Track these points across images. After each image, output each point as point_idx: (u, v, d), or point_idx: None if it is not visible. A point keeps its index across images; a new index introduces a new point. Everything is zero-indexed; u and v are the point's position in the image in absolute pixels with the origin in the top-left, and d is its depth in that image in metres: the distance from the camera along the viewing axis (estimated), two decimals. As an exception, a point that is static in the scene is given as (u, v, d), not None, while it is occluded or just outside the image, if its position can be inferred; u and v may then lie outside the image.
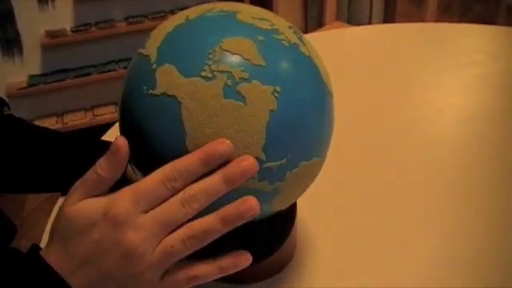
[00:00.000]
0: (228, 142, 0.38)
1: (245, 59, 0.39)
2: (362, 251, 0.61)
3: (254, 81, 0.39)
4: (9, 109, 0.71)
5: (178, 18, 0.44)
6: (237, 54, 0.39)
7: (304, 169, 0.43)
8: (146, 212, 0.38)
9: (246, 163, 0.38)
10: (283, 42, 0.42)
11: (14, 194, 0.74)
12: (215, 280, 0.57)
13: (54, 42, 2.28)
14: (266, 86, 0.39)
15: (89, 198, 0.40)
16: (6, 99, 2.29)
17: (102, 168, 0.39)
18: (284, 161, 0.41)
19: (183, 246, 0.38)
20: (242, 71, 0.39)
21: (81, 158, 0.70)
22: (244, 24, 0.42)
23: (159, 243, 0.38)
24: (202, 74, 0.39)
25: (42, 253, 0.40)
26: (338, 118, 0.52)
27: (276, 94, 0.39)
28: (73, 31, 2.31)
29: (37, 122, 2.25)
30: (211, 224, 0.38)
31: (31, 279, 0.39)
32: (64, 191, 0.72)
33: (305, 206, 0.61)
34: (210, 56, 0.39)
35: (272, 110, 0.39)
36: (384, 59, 1.10)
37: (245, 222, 0.39)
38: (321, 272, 0.59)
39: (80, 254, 0.39)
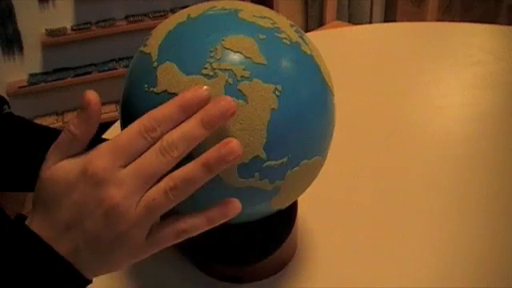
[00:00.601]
0: (206, 87, 0.37)
1: (246, 57, 0.39)
2: (363, 251, 0.61)
3: (255, 79, 0.39)
4: (9, 107, 0.71)
5: (180, 16, 0.43)
6: (238, 52, 0.39)
7: (305, 168, 0.43)
8: (126, 166, 0.36)
9: (224, 103, 0.36)
10: (285, 40, 0.42)
11: (14, 192, 0.74)
12: (216, 279, 0.57)
13: (54, 41, 2.28)
14: (268, 85, 0.39)
15: (65, 159, 0.38)
16: (7, 98, 2.29)
17: (74, 125, 0.37)
18: (285, 159, 0.41)
19: (166, 197, 0.36)
20: (244, 69, 0.39)
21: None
22: (245, 22, 0.42)
23: (141, 198, 0.37)
24: (204, 72, 0.39)
25: (26, 222, 0.39)
26: (339, 117, 0.52)
27: (277, 93, 0.39)
28: (73, 30, 2.31)
29: (37, 121, 2.25)
30: (192, 171, 0.36)
31: (17, 248, 0.38)
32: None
33: (305, 205, 0.61)
34: (212, 54, 0.39)
35: (273, 108, 0.39)
36: (385, 58, 1.09)
37: (227, 166, 0.36)
38: (321, 271, 0.58)
39: (62, 218, 0.37)
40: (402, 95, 0.95)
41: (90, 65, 2.42)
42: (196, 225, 0.39)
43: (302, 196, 0.49)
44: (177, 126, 0.37)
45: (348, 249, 0.61)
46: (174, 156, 0.36)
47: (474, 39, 1.16)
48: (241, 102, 0.38)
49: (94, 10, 2.36)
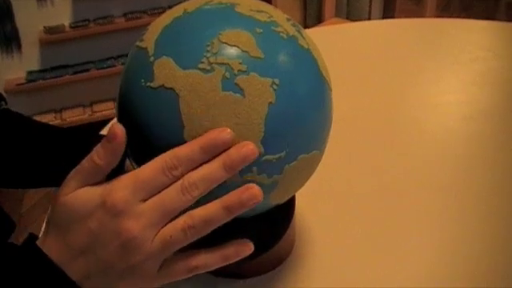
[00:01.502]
0: (229, 130, 0.38)
1: (243, 51, 0.39)
2: (361, 246, 0.61)
3: (252, 73, 0.39)
4: (6, 103, 0.71)
5: (176, 11, 0.43)
6: (235, 46, 0.39)
7: (302, 162, 0.43)
8: (145, 201, 0.37)
9: (246, 149, 0.38)
10: (282, 34, 0.42)
11: (13, 189, 0.74)
12: (214, 275, 0.57)
13: (52, 38, 2.28)
14: (265, 79, 0.39)
15: (85, 186, 0.39)
16: (5, 95, 2.29)
17: (99, 155, 0.38)
18: (282, 154, 0.40)
19: (183, 235, 0.38)
20: (241, 63, 0.39)
21: (79, 152, 0.69)
22: (242, 16, 0.41)
23: (158, 232, 0.38)
24: (200, 66, 0.38)
25: (38, 242, 0.40)
26: (337, 114, 0.52)
27: (275, 87, 0.39)
28: (71, 27, 2.31)
29: (35, 118, 2.25)
30: (212, 212, 0.38)
31: (28, 269, 0.38)
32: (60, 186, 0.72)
33: (303, 200, 0.61)
34: (208, 48, 0.39)
35: (270, 102, 0.39)
36: (383, 55, 1.09)
37: (247, 209, 0.38)
38: (319, 267, 0.58)
39: (77, 244, 0.38)
40: (401, 92, 0.95)
41: (89, 62, 2.42)
42: (208, 263, 0.40)
43: (299, 191, 0.49)
44: (198, 165, 0.38)
45: (346, 244, 0.61)
46: (194, 195, 0.37)
47: (472, 36, 1.15)
48: (238, 96, 0.38)
49: (92, 8, 2.36)
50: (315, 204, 0.66)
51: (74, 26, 2.30)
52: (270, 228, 0.56)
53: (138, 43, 0.43)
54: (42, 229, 0.41)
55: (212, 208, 0.38)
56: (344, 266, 0.58)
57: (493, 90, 0.93)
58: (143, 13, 2.39)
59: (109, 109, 2.41)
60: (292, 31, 0.43)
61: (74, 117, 2.40)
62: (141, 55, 0.42)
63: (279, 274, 0.57)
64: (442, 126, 0.84)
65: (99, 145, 0.39)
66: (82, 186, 0.39)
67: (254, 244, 0.55)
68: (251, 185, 0.38)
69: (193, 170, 0.38)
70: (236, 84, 0.38)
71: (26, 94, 2.37)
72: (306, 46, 0.43)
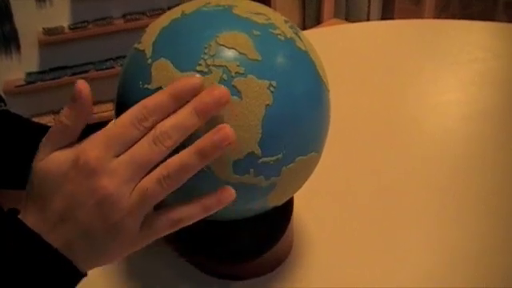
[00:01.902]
0: (198, 75, 0.37)
1: (240, 54, 0.39)
2: (359, 247, 0.61)
3: (249, 75, 0.39)
4: (5, 104, 0.71)
5: (174, 13, 0.43)
6: (233, 48, 0.39)
7: (300, 164, 0.43)
8: (118, 156, 0.36)
9: (217, 91, 0.36)
10: (279, 36, 0.42)
11: (12, 190, 0.74)
12: (212, 276, 0.57)
13: (51, 40, 2.28)
14: (262, 81, 0.39)
15: (58, 150, 0.38)
16: (4, 97, 2.29)
17: (66, 116, 0.37)
18: (280, 156, 0.40)
19: (159, 186, 0.36)
20: (238, 66, 0.39)
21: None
22: (240, 18, 0.41)
23: (135, 187, 0.36)
24: (198, 68, 0.39)
25: (19, 216, 0.39)
26: (336, 115, 0.52)
27: (272, 89, 0.39)
28: (70, 28, 2.31)
29: (34, 120, 2.25)
30: (186, 159, 0.36)
31: (10, 242, 0.37)
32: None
33: (301, 201, 0.61)
34: (206, 50, 0.39)
35: (268, 104, 0.39)
36: (383, 56, 1.09)
37: (220, 152, 0.36)
38: (317, 268, 0.58)
39: (55, 210, 0.37)
40: (400, 92, 0.95)
41: (88, 63, 2.42)
42: (191, 213, 0.38)
43: (297, 193, 0.49)
44: (170, 115, 0.36)
45: (344, 245, 0.61)
46: (167, 145, 0.36)
47: (471, 36, 1.15)
48: (235, 98, 0.38)
49: (91, 9, 2.36)
50: (313, 205, 0.66)
51: (73, 27, 2.30)
52: (268, 230, 0.56)
53: (135, 45, 0.43)
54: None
55: (185, 154, 0.36)
56: (342, 267, 0.58)
57: (492, 90, 0.93)
58: (142, 14, 2.40)
59: (108, 110, 2.41)
60: (289, 33, 0.43)
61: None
62: (139, 57, 0.42)
63: (277, 275, 0.57)
64: (441, 126, 0.84)
65: (65, 106, 0.38)
66: (55, 151, 0.38)
67: (253, 246, 0.56)
68: (223, 125, 0.36)
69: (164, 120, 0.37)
70: (233, 86, 0.38)
71: (24, 95, 2.37)
72: (303, 48, 0.43)
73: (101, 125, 0.86)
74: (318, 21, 2.63)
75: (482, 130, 0.82)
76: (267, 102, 0.39)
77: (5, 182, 0.70)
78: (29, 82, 2.30)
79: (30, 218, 0.38)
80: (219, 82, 0.38)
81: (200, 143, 0.36)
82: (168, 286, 0.58)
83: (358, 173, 0.74)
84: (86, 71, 2.36)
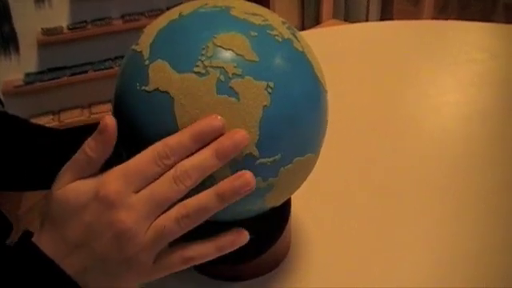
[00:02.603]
0: (220, 117, 0.37)
1: (238, 55, 0.39)
2: (358, 247, 0.61)
3: (247, 76, 0.39)
4: (3, 106, 0.71)
5: (171, 14, 0.43)
6: (230, 49, 0.39)
7: (298, 165, 0.43)
8: (138, 192, 0.37)
9: (238, 136, 0.37)
10: (276, 37, 0.42)
11: (10, 192, 0.74)
12: (209, 277, 0.57)
13: (50, 40, 2.28)
14: (260, 82, 0.39)
15: (78, 179, 0.39)
16: (2, 97, 2.29)
17: (91, 148, 0.38)
18: (277, 157, 0.40)
19: (177, 225, 0.37)
20: (235, 67, 0.39)
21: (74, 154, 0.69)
22: (237, 19, 0.41)
23: (152, 223, 0.37)
24: (195, 69, 0.39)
25: (33, 239, 0.39)
26: (334, 115, 0.52)
27: (269, 90, 0.39)
28: (69, 29, 2.31)
29: (33, 120, 2.25)
30: (205, 201, 0.37)
31: (23, 266, 0.38)
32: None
33: (299, 202, 0.61)
34: (203, 52, 0.39)
35: (265, 105, 0.39)
36: (381, 56, 1.09)
37: (240, 197, 0.38)
38: (315, 268, 0.58)
39: (72, 237, 0.38)
40: (399, 93, 0.95)
41: (86, 64, 2.42)
42: (205, 253, 0.40)
43: (295, 194, 0.49)
44: (190, 154, 0.38)
45: (342, 245, 0.61)
46: (187, 185, 0.37)
47: (470, 37, 1.16)
48: (233, 99, 0.38)
49: (89, 9, 2.36)
50: (311, 205, 0.66)
51: (72, 27, 2.31)
52: (266, 230, 0.56)
53: (133, 47, 0.43)
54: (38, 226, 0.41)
55: (205, 196, 0.37)
56: (341, 267, 0.58)
57: (490, 90, 0.93)
58: (141, 14, 2.40)
59: (107, 110, 2.41)
60: (287, 34, 0.43)
61: (72, 118, 2.40)
62: (136, 59, 0.42)
63: (276, 276, 0.57)
64: (440, 126, 0.84)
65: (91, 137, 0.39)
66: (76, 180, 0.39)
67: (251, 246, 0.56)
68: (244, 172, 0.38)
69: (184, 159, 0.38)
70: (231, 87, 0.38)
71: (23, 95, 2.37)
72: (300, 49, 0.43)
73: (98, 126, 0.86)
74: (316, 21, 2.63)
75: (481, 130, 0.82)
76: (264, 103, 0.39)
77: (3, 183, 0.70)
78: (27, 83, 2.31)
79: (46, 243, 0.39)
80: (216, 83, 0.38)
81: (221, 187, 0.37)
82: (165, 287, 0.58)
83: (357, 173, 0.74)
84: (85, 71, 2.37)
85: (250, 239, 0.54)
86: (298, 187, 0.47)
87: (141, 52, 0.41)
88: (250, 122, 0.39)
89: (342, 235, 0.63)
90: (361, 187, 0.71)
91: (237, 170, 0.39)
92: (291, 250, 0.61)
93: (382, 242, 0.62)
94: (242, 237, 0.41)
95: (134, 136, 0.40)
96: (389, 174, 0.73)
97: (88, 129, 0.41)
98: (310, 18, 2.68)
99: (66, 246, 0.38)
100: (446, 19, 1.29)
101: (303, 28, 2.64)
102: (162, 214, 0.38)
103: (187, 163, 0.37)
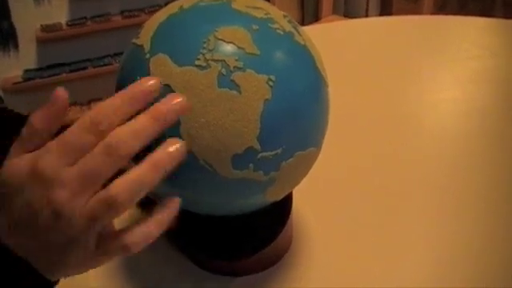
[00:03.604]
0: (157, 79, 0.35)
1: (239, 48, 0.39)
2: (358, 243, 0.61)
3: (248, 70, 0.39)
4: (2, 102, 0.71)
5: (172, 8, 0.43)
6: (231, 42, 0.39)
7: (299, 159, 0.43)
8: (73, 165, 0.34)
9: (176, 99, 0.35)
10: (278, 30, 0.42)
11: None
12: (210, 273, 0.57)
13: (49, 37, 2.28)
14: (261, 75, 0.39)
15: (23, 153, 0.36)
16: (2, 94, 2.28)
17: (37, 119, 0.35)
18: (279, 150, 0.40)
19: (108, 208, 0.33)
20: (237, 60, 0.39)
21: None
22: (238, 13, 0.41)
23: (88, 202, 0.34)
24: (197, 63, 0.38)
25: None
26: (335, 111, 0.52)
27: (271, 83, 0.39)
28: (68, 25, 2.30)
29: (32, 117, 2.24)
30: (139, 173, 0.33)
31: None
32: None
33: (301, 197, 0.61)
34: (205, 45, 0.39)
35: (267, 99, 0.39)
36: (380, 52, 1.09)
37: (174, 164, 0.34)
38: (316, 264, 0.58)
39: (14, 217, 0.35)
40: (397, 89, 0.95)
41: (86, 60, 2.41)
42: (145, 236, 0.36)
43: (296, 188, 0.49)
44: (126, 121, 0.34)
45: (343, 240, 0.61)
46: (122, 154, 0.33)
47: (469, 33, 1.16)
48: (234, 92, 0.38)
49: (89, 6, 2.35)
50: (312, 200, 0.66)
51: (71, 24, 2.30)
52: (267, 226, 0.56)
53: (134, 40, 0.43)
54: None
55: (140, 169, 0.34)
56: (342, 262, 0.59)
57: (489, 87, 0.93)
58: (140, 11, 2.39)
59: (106, 107, 2.40)
60: (288, 27, 0.43)
61: (72, 115, 2.40)
62: (137, 52, 0.41)
63: (277, 270, 0.57)
64: (439, 122, 0.84)
65: (37, 110, 0.36)
66: (20, 154, 0.36)
67: (252, 241, 0.56)
68: (174, 138, 0.35)
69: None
70: (232, 81, 0.38)
71: (22, 92, 2.36)
72: (302, 43, 0.43)
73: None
74: (316, 17, 2.63)
75: (479, 127, 0.82)
76: (266, 97, 0.39)
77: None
78: (27, 79, 2.30)
79: None
80: (218, 77, 0.38)
81: (154, 156, 0.34)
82: (167, 282, 0.58)
83: (357, 169, 0.74)
84: (84, 68, 2.36)
85: (252, 234, 0.54)
86: (299, 181, 0.47)
87: (142, 46, 0.41)
88: (251, 115, 0.39)
89: (344, 230, 0.63)
90: (361, 183, 0.71)
91: (238, 162, 0.39)
92: (292, 244, 0.61)
93: (384, 238, 0.62)
94: (173, 204, 0.36)
95: None
96: (388, 169, 0.73)
97: None
98: (309, 13, 2.67)
99: (10, 226, 0.36)
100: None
101: (303, 24, 2.63)
102: (102, 189, 0.34)
103: (121, 130, 0.33)
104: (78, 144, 0.34)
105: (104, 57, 2.43)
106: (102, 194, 0.34)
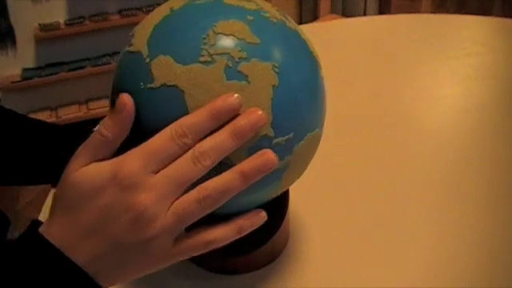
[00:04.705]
0: (237, 95, 0.37)
1: (240, 39, 0.39)
2: (355, 241, 0.61)
3: (252, 59, 0.39)
4: (0, 101, 0.71)
5: (163, 11, 0.43)
6: (231, 35, 0.39)
7: (309, 141, 0.44)
8: (157, 172, 0.36)
9: (254, 115, 0.37)
10: (271, 19, 0.42)
11: (8, 187, 0.74)
12: (208, 270, 0.57)
13: (47, 36, 2.28)
14: (266, 63, 0.40)
15: (93, 162, 0.37)
16: (0, 93, 2.29)
17: (107, 127, 0.37)
18: (291, 135, 0.41)
19: (198, 206, 0.36)
20: (240, 51, 0.39)
21: (72, 148, 0.69)
22: (231, 6, 0.42)
23: (171, 205, 0.36)
24: (201, 59, 0.38)
25: (42, 228, 0.38)
26: (333, 108, 0.52)
27: (276, 70, 0.40)
28: (66, 24, 2.30)
29: (31, 116, 2.24)
30: (227, 181, 0.37)
31: (29, 258, 0.37)
32: (56, 182, 0.71)
33: (297, 195, 0.61)
34: (205, 41, 0.39)
35: (274, 85, 0.40)
36: (379, 50, 1.09)
37: (262, 176, 0.37)
38: (313, 262, 0.59)
39: (86, 223, 0.36)
40: (397, 87, 0.95)
41: (84, 59, 2.41)
42: (224, 236, 0.39)
43: (293, 186, 0.49)
44: (207, 134, 0.37)
45: (340, 238, 0.61)
46: (206, 165, 0.36)
47: (468, 31, 1.16)
48: (243, 83, 0.39)
49: (87, 5, 2.35)
50: (309, 198, 0.66)
51: (69, 23, 2.30)
52: (264, 223, 0.55)
53: (127, 49, 0.43)
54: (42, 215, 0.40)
55: (227, 176, 0.37)
56: (339, 259, 0.59)
57: (488, 83, 0.94)
58: (138, 10, 2.39)
59: (104, 106, 2.41)
60: (279, 15, 0.44)
61: (70, 114, 2.40)
62: (134, 59, 0.41)
63: (273, 269, 0.58)
64: (438, 119, 0.84)
65: (107, 117, 0.37)
66: (91, 162, 0.37)
67: (249, 239, 0.56)
68: (265, 150, 0.38)
69: (202, 139, 0.37)
70: (239, 72, 0.39)
71: (21, 91, 2.36)
72: (294, 28, 0.45)
73: (98, 121, 0.86)
74: (314, 16, 2.63)
75: (478, 123, 0.82)
76: (273, 83, 0.40)
77: (0, 178, 0.70)
78: (25, 78, 2.30)
79: (55, 231, 0.37)
80: (224, 69, 0.38)
81: (243, 166, 0.37)
82: (164, 281, 0.58)
83: (355, 166, 0.74)
84: (83, 67, 2.36)
85: (249, 232, 0.54)
86: (307, 165, 0.48)
87: (139, 51, 0.41)
88: (262, 103, 0.39)
89: (340, 227, 0.63)
90: (358, 179, 0.71)
91: (254, 152, 0.39)
92: (289, 243, 0.61)
93: (381, 235, 0.62)
94: (260, 216, 0.40)
95: (144, 135, 0.40)
96: (387, 166, 0.73)
97: (85, 125, 0.40)
98: (307, 13, 2.67)
99: (78, 231, 0.37)
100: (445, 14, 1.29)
101: (301, 23, 2.63)
102: (181, 196, 0.37)
103: (205, 144, 0.36)
104: (162, 153, 0.36)
105: (102, 56, 2.43)
106: (195, 193, 0.36)
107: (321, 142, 0.48)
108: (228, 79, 0.38)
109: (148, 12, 2.34)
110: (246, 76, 0.39)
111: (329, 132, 0.49)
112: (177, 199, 0.37)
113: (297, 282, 0.56)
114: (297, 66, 0.42)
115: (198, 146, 0.36)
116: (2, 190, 2.02)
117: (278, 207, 0.57)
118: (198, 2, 0.42)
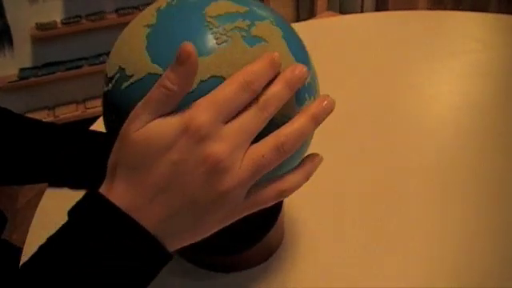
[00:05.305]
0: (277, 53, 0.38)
1: (234, 13, 0.41)
2: (350, 239, 0.61)
3: (256, 22, 0.41)
4: (-4, 100, 0.71)
5: (145, 19, 0.42)
6: (225, 13, 0.40)
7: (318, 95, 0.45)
8: (226, 123, 0.35)
9: (299, 67, 0.38)
10: None
11: (7, 186, 0.74)
12: (203, 268, 0.57)
13: (44, 35, 2.27)
14: (266, 21, 0.42)
15: (158, 117, 0.35)
16: (-3, 93, 2.28)
17: (171, 80, 0.34)
18: (313, 96, 0.43)
19: (276, 153, 0.36)
20: (243, 21, 0.40)
21: (72, 148, 0.70)
22: None
23: (245, 155, 0.36)
24: (218, 42, 0.39)
25: (103, 192, 0.36)
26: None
27: (274, 24, 0.42)
28: (63, 23, 2.30)
29: (28, 116, 2.24)
30: (301, 124, 0.37)
31: (93, 224, 0.35)
32: (53, 182, 0.72)
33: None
34: (210, 26, 0.39)
35: (284, 38, 0.42)
36: (375, 47, 1.09)
37: (327, 116, 0.39)
38: (308, 259, 0.59)
39: (157, 181, 0.35)
40: (393, 84, 0.95)
41: (81, 58, 2.41)
42: (295, 182, 0.39)
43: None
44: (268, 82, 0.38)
45: (336, 234, 0.61)
46: (270, 112, 0.37)
47: (464, 28, 1.16)
48: (264, 43, 0.40)
49: (83, 4, 2.35)
50: (304, 194, 0.66)
51: (66, 22, 2.30)
52: (259, 221, 0.56)
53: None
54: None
55: (299, 120, 0.37)
56: (333, 258, 0.59)
57: (484, 80, 0.94)
58: (135, 8, 2.39)
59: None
60: None
61: (67, 113, 2.40)
62: (152, 78, 0.38)
63: (268, 266, 0.58)
64: (435, 116, 0.84)
65: (169, 70, 0.35)
66: (155, 118, 0.35)
67: (244, 236, 0.56)
68: (325, 94, 0.39)
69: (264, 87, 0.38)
70: (255, 36, 0.40)
71: (18, 91, 2.36)
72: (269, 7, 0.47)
73: (96, 120, 0.86)
74: (311, 14, 2.63)
75: (475, 119, 0.82)
76: (284, 37, 0.42)
77: (0, 178, 0.70)
78: (22, 78, 2.30)
79: (119, 194, 0.36)
80: (242, 40, 0.39)
81: (312, 109, 0.38)
82: (158, 279, 0.58)
83: (351, 163, 0.74)
84: (80, 66, 2.36)
85: (243, 229, 0.54)
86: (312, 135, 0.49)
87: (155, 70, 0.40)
88: (286, 56, 0.41)
89: (335, 225, 0.63)
90: (355, 177, 0.71)
91: (298, 97, 0.41)
92: (284, 240, 0.61)
93: (377, 233, 0.62)
94: (317, 157, 0.41)
95: None
96: (383, 163, 0.73)
97: (83, 124, 0.40)
98: (304, 10, 2.67)
99: (148, 193, 0.35)
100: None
101: (298, 20, 2.63)
102: (252, 144, 0.36)
103: (268, 93, 0.37)
104: (233, 102, 0.35)
105: (99, 55, 2.43)
106: (271, 140, 0.36)
107: (317, 139, 0.48)
108: (250, 46, 0.39)
109: (145, 11, 2.34)
110: (261, 36, 0.40)
111: (325, 129, 0.48)
112: (249, 148, 0.36)
113: (293, 280, 0.56)
114: (293, 33, 0.44)
115: (261, 94, 0.37)
116: (1, 190, 2.02)
117: (272, 205, 0.57)
118: (171, 4, 0.43)
